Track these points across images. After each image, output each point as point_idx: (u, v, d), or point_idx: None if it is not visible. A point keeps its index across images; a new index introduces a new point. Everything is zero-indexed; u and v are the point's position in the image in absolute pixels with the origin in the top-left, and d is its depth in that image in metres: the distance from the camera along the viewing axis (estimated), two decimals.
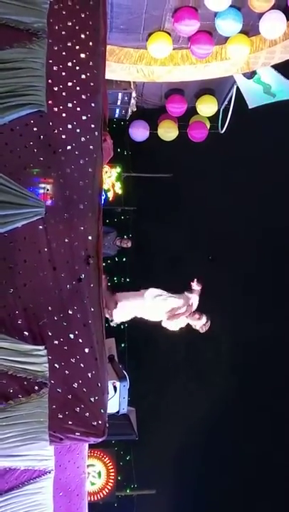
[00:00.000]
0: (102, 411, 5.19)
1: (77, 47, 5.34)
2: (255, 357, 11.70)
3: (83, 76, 5.33)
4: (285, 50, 8.34)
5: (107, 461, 11.43)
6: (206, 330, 7.80)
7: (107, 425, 5.21)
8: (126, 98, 10.38)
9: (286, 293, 11.94)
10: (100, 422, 5.14)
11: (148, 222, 12.24)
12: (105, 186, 11.97)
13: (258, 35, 8.24)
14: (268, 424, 11.61)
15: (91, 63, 5.36)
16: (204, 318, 7.69)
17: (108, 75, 6.52)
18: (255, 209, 11.84)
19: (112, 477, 11.41)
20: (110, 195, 12.24)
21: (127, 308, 7.57)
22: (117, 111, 10.75)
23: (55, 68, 5.24)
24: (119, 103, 10.47)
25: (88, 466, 6.67)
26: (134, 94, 10.31)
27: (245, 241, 11.95)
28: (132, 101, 10.44)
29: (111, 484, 11.35)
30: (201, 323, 7.72)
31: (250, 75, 9.48)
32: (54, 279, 5.16)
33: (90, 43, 5.39)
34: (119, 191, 12.43)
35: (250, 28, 8.22)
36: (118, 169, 12.31)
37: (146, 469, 11.86)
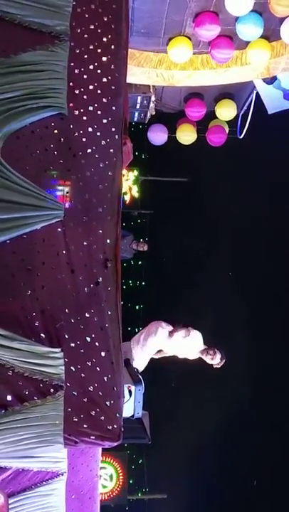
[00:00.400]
0: (117, 415, 5.15)
1: (99, 50, 5.32)
2: (271, 363, 11.62)
3: (105, 79, 5.30)
4: None
5: (119, 465, 11.42)
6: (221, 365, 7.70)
7: (122, 429, 5.19)
8: (145, 102, 10.42)
9: None
10: (115, 426, 5.11)
11: (164, 226, 12.23)
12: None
13: (279, 40, 8.22)
14: (282, 433, 11.50)
15: (113, 66, 5.34)
16: (218, 357, 7.53)
17: (128, 79, 6.51)
18: (274, 215, 11.75)
19: (123, 480, 11.39)
20: (127, 198, 12.27)
21: (145, 360, 7.59)
22: (136, 114, 10.80)
23: (76, 71, 5.23)
24: (138, 106, 10.52)
25: (100, 468, 6.64)
26: (153, 98, 10.33)
27: (261, 247, 11.86)
28: (151, 104, 10.47)
29: (123, 487, 11.34)
30: (215, 362, 7.59)
31: (271, 80, 9.46)
32: (72, 282, 5.13)
33: (112, 46, 5.37)
34: (136, 194, 12.47)
35: (271, 33, 8.21)
36: (135, 173, 12.36)
37: (158, 473, 11.83)
